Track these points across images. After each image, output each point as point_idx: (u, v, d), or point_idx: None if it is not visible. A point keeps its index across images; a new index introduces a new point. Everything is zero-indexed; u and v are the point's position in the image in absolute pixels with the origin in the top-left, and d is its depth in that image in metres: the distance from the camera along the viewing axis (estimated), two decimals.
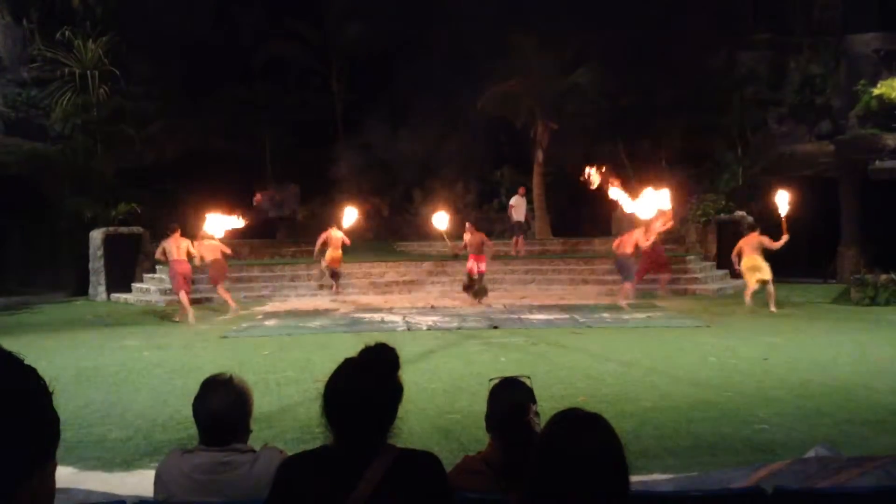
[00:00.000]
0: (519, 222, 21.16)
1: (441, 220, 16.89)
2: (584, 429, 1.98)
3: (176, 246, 14.29)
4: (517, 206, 21.30)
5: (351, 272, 18.80)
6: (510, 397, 2.95)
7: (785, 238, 13.65)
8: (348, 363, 2.31)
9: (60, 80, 19.72)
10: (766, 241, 13.92)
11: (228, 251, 15.44)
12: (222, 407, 2.87)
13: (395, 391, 2.31)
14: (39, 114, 20.32)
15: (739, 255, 14.26)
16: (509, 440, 2.83)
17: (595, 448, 1.94)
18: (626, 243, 14.42)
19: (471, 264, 15.67)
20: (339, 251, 16.64)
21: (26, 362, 1.22)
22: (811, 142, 21.32)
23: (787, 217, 13.87)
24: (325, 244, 16.78)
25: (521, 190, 21.91)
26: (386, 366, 2.31)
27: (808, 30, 22.13)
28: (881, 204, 18.15)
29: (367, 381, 2.25)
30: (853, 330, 11.52)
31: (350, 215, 17.71)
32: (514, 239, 20.74)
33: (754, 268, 13.90)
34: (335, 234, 16.68)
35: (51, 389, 1.24)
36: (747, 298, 13.99)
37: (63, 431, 4.79)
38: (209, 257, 14.75)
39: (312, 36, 26.04)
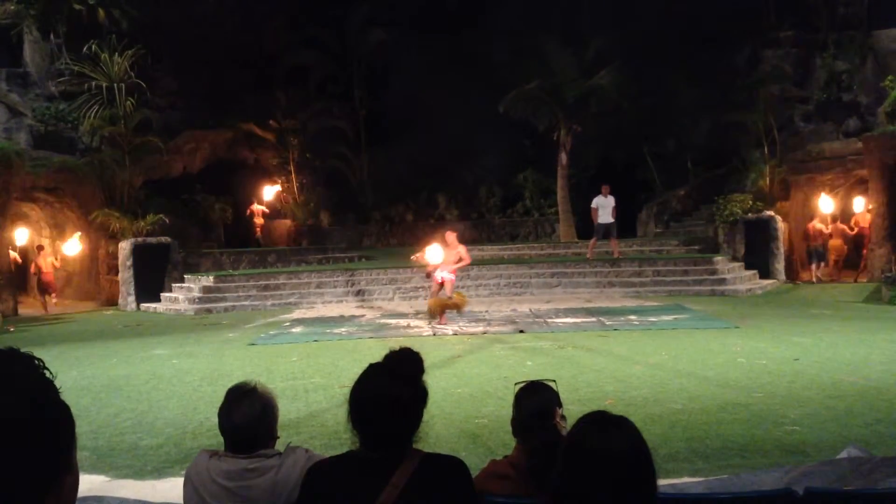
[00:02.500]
0: (604, 225, 19.13)
1: (434, 254, 13.64)
2: (610, 430, 1.97)
3: (44, 260, 18.79)
4: (603, 207, 19.14)
5: (376, 278, 18.87)
6: (536, 401, 2.95)
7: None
8: (374, 368, 2.33)
9: (88, 93, 20.00)
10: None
11: (58, 264, 19.23)
12: (248, 418, 2.88)
13: (420, 395, 2.32)
14: (68, 127, 20.63)
15: None
16: (536, 444, 2.83)
17: (621, 450, 1.92)
18: None
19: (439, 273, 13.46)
20: None
21: (40, 371, 1.21)
22: (839, 139, 21.07)
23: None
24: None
25: (605, 189, 19.33)
26: (411, 370, 2.32)
27: (833, 26, 21.91)
28: None
29: (393, 386, 2.26)
30: (885, 329, 11.35)
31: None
32: (592, 241, 19.41)
33: None
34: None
35: (60, 393, 1.22)
36: None
37: (95, 440, 4.95)
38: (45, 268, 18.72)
39: (334, 44, 26.23)
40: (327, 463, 2.36)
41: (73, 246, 19.08)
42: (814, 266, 19.47)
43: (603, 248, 20.04)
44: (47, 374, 1.20)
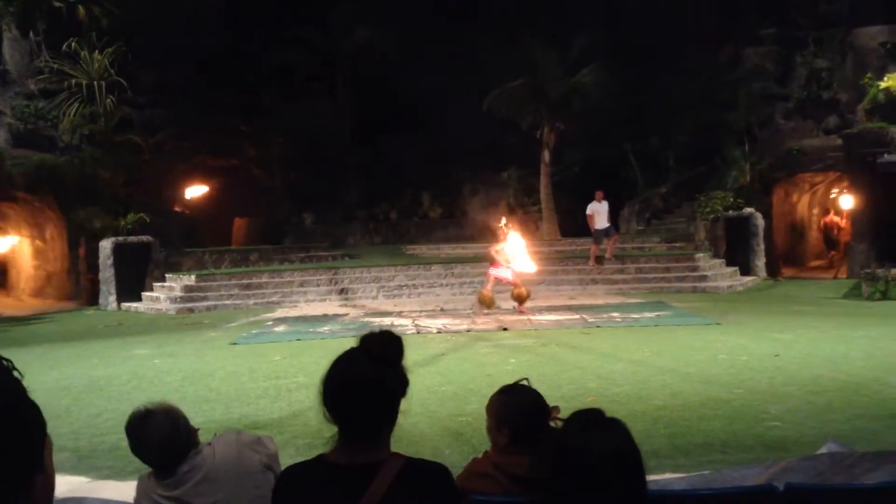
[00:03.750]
0: (601, 230, 18.74)
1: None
2: (601, 431, 1.98)
3: None
4: (599, 213, 18.79)
5: (360, 277, 18.84)
6: (531, 401, 2.92)
7: None
8: (350, 351, 2.16)
9: (68, 91, 19.84)
10: None
11: None
12: (162, 440, 2.81)
13: (400, 381, 2.13)
14: (47, 125, 20.45)
15: None
16: (539, 452, 2.79)
17: (611, 450, 1.94)
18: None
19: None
20: None
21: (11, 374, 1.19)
22: (819, 136, 21.25)
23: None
24: None
25: (599, 195, 19.01)
26: (390, 353, 2.14)
27: (814, 24, 22.07)
28: (890, 197, 18.07)
29: (371, 370, 2.08)
30: (864, 325, 11.45)
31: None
32: (592, 247, 18.87)
33: None
34: None
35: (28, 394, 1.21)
36: None
37: (76, 441, 4.91)
38: None
39: (319, 42, 26.11)
40: (302, 467, 2.19)
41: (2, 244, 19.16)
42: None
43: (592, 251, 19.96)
44: (15, 375, 1.19)
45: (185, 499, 2.76)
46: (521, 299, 14.05)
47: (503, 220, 15.35)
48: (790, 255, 21.67)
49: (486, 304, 13.96)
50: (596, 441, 1.94)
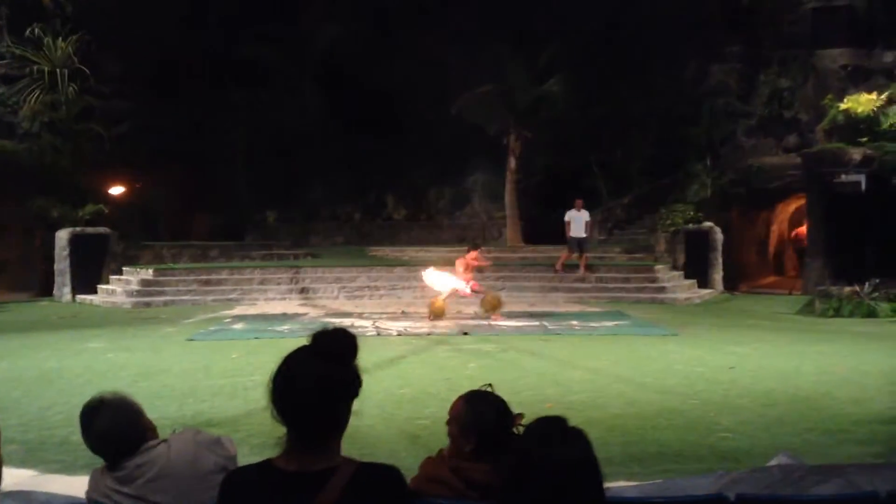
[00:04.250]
0: (576, 238, 18.62)
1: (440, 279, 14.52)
2: (561, 439, 1.99)
3: None
4: (576, 221, 18.69)
5: (321, 276, 18.73)
6: (496, 409, 2.91)
7: None
8: (301, 349, 2.08)
9: (29, 77, 19.46)
10: None
11: None
12: (109, 432, 2.77)
13: (352, 380, 2.05)
14: (7, 111, 20.03)
15: None
16: (504, 461, 2.79)
17: (572, 459, 1.95)
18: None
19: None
20: None
21: None
22: (779, 154, 21.62)
23: None
24: None
25: (579, 203, 19.05)
26: (342, 350, 2.07)
27: (778, 43, 22.46)
28: (846, 217, 18.45)
29: (322, 367, 2.01)
30: (817, 341, 11.68)
31: None
32: (563, 254, 18.83)
33: None
34: None
35: None
36: None
37: (24, 433, 4.81)
38: None
39: (287, 39, 25.88)
40: (247, 471, 2.11)
41: None
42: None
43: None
44: None
45: (137, 494, 2.72)
46: (492, 307, 14.00)
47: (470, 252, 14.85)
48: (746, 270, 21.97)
49: (437, 314, 13.78)
50: (557, 450, 1.95)
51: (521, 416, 2.88)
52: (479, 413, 2.88)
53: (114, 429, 2.78)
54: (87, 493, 2.85)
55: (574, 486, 1.92)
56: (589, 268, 18.87)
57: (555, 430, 2.02)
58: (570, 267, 18.80)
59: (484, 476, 2.71)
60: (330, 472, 1.98)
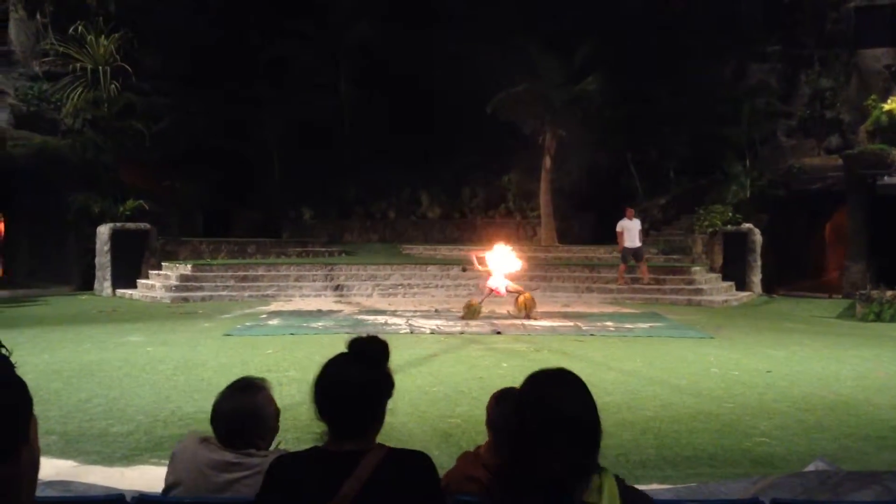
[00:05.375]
0: (631, 249, 18.23)
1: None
2: (565, 385, 2.08)
3: None
4: (629, 230, 18.26)
5: (356, 274, 18.84)
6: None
7: None
8: (338, 355, 2.32)
9: (72, 74, 19.84)
10: None
11: None
12: (237, 411, 2.85)
13: (385, 382, 2.29)
14: (51, 108, 20.44)
15: None
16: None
17: (568, 399, 2.02)
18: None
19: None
20: None
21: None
22: (820, 156, 21.30)
23: None
24: None
25: (630, 212, 18.65)
26: (375, 355, 2.30)
27: (819, 43, 22.13)
28: (888, 219, 18.13)
29: (357, 371, 2.25)
30: (857, 345, 11.49)
31: None
32: (621, 266, 18.39)
33: None
34: None
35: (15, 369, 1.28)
36: None
37: (64, 424, 4.90)
38: None
39: (319, 36, 26.04)
40: (290, 457, 2.33)
41: None
42: None
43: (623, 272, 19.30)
44: (3, 351, 1.25)
45: (217, 483, 2.78)
46: (527, 308, 13.98)
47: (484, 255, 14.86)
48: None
49: (471, 314, 13.80)
50: (561, 396, 2.03)
51: None
52: (503, 413, 2.90)
53: (242, 415, 2.85)
54: (177, 447, 2.94)
55: (568, 425, 1.97)
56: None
57: (550, 376, 2.12)
58: (632, 278, 18.49)
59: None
60: (364, 453, 2.18)
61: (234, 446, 2.83)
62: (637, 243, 18.28)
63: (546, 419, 1.98)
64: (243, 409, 2.88)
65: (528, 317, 13.87)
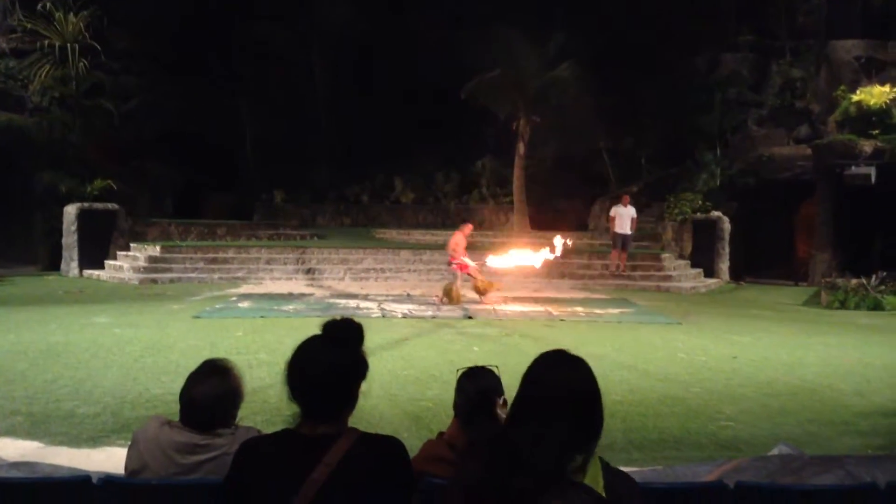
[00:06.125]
0: (620, 235, 18.32)
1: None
2: (570, 366, 2.14)
3: None
4: (621, 217, 18.33)
5: (328, 258, 18.77)
6: (477, 388, 2.97)
7: None
8: (313, 337, 2.31)
9: (40, 52, 19.49)
10: None
11: None
12: (208, 396, 2.83)
13: (359, 365, 2.28)
14: (17, 85, 20.06)
15: None
16: (475, 429, 2.85)
17: (579, 383, 2.08)
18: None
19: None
20: None
21: None
22: (789, 145, 21.52)
23: None
24: None
25: (625, 199, 18.83)
26: (349, 338, 2.29)
27: (791, 34, 22.31)
28: (855, 209, 18.40)
29: (331, 353, 2.24)
30: (822, 332, 11.68)
31: None
32: (613, 252, 18.60)
33: None
34: None
35: None
36: None
37: (30, 405, 4.85)
38: None
39: (298, 19, 25.82)
40: (260, 440, 2.31)
41: None
42: None
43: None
44: None
45: (185, 465, 2.78)
46: (479, 291, 14.09)
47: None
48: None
49: (454, 299, 13.82)
50: (563, 370, 2.11)
51: (504, 402, 2.93)
52: (461, 386, 2.96)
53: (213, 399, 2.83)
54: (137, 432, 2.92)
55: (577, 401, 2.03)
56: (580, 253, 18.71)
57: (556, 357, 2.18)
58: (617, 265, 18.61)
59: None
60: (337, 437, 2.18)
61: (205, 430, 2.82)
62: (626, 231, 18.28)
63: (552, 396, 2.02)
64: (222, 393, 2.86)
65: (483, 300, 13.99)
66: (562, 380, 2.07)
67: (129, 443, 2.92)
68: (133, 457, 2.86)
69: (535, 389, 2.07)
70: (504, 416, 2.86)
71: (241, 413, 5.69)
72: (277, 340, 9.44)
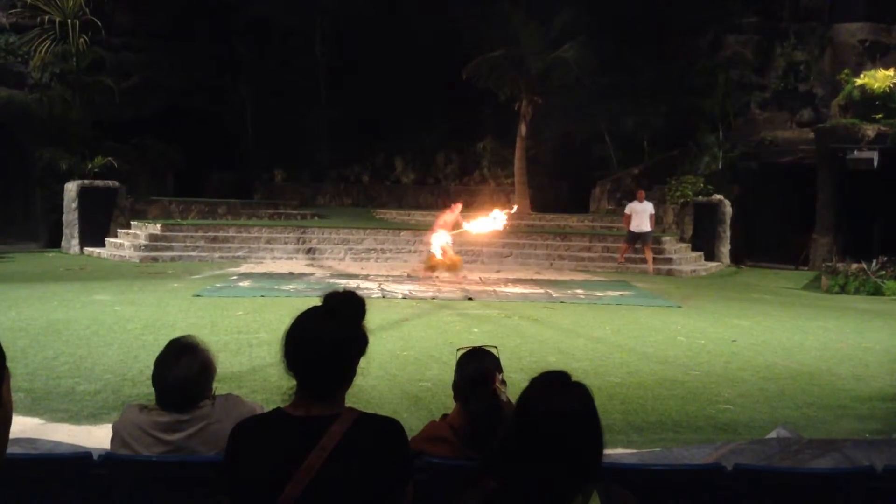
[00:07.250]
0: (638, 234, 17.36)
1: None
2: (563, 393, 2.07)
3: None
4: (637, 213, 17.31)
5: (328, 237, 18.76)
6: (476, 366, 2.97)
7: None
8: (313, 309, 2.21)
9: (40, 27, 19.37)
10: None
11: None
12: (183, 379, 2.83)
13: (359, 339, 2.19)
14: (17, 61, 19.97)
15: None
16: (475, 408, 2.86)
17: (573, 412, 2.02)
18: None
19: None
20: None
21: None
22: (792, 128, 21.45)
23: None
24: None
25: (641, 194, 17.73)
26: (351, 311, 2.21)
27: (795, 16, 22.17)
28: (857, 193, 18.36)
29: (331, 327, 2.14)
30: (821, 317, 11.69)
31: None
32: (622, 247, 17.79)
33: None
34: None
35: None
36: None
37: (31, 382, 4.88)
38: None
39: None
40: (255, 421, 2.23)
41: None
42: None
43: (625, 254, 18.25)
44: None
45: (173, 442, 2.80)
46: (430, 268, 14.65)
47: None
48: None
49: (441, 265, 14.46)
50: (557, 400, 2.03)
51: (503, 381, 2.94)
52: (460, 366, 2.97)
53: (188, 381, 2.85)
54: (116, 423, 2.92)
55: (573, 436, 1.98)
56: (584, 235, 18.64)
57: (557, 382, 2.11)
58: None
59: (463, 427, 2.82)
60: (333, 418, 2.09)
61: (179, 410, 2.83)
62: (644, 228, 17.24)
63: (547, 434, 1.98)
64: (196, 372, 2.87)
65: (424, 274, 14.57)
66: (557, 414, 2.01)
67: (111, 435, 2.93)
68: (116, 446, 2.87)
69: (530, 425, 2.02)
70: (502, 392, 2.87)
71: (240, 391, 5.72)
72: (277, 320, 9.44)
